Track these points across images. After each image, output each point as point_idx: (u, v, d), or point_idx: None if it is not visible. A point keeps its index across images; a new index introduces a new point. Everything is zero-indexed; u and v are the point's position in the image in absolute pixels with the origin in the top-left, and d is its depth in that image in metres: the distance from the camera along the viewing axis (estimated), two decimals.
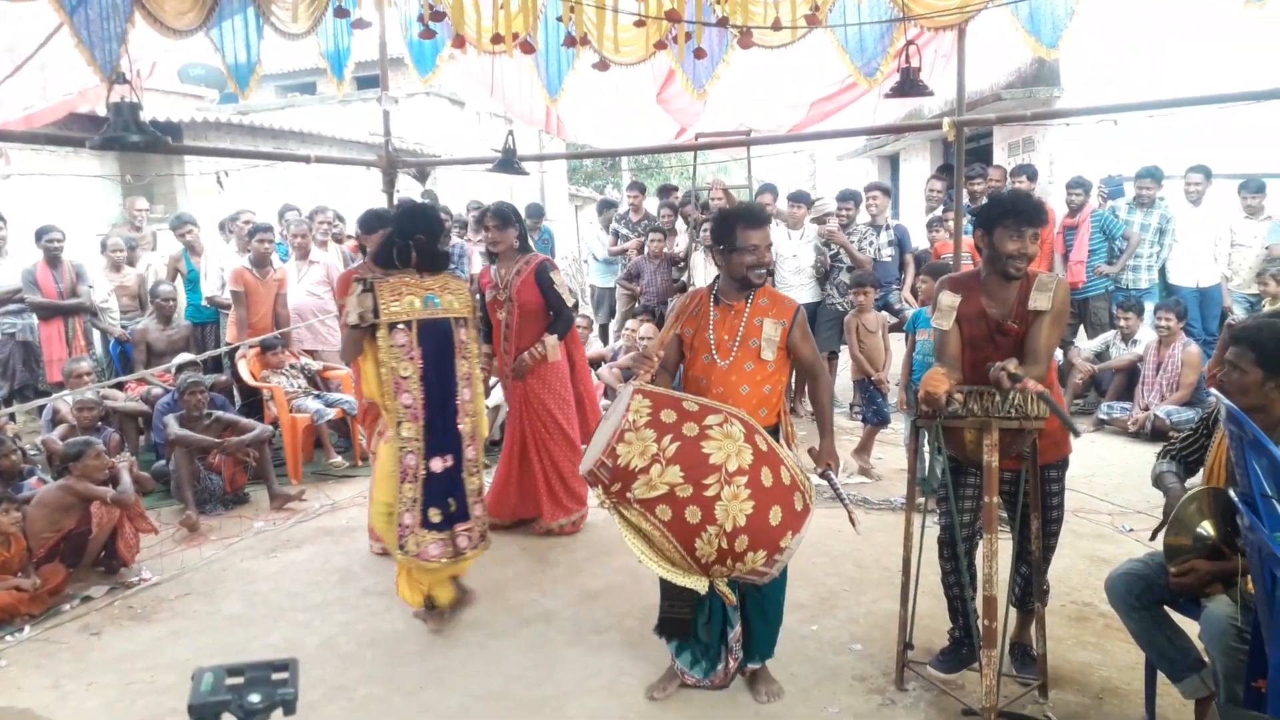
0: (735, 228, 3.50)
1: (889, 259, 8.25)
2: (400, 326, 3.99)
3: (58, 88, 5.79)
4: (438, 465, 4.09)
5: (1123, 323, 8.08)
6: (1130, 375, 7.93)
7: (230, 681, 1.16)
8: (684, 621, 3.51)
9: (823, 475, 3.53)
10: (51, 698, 3.87)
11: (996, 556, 3.22)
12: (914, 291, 7.56)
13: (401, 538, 4.10)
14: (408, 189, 10.84)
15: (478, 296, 5.64)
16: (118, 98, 4.28)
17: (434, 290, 4.11)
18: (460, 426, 4.15)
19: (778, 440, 3.45)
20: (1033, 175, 8.96)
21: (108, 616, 4.72)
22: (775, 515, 3.13)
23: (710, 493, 3.08)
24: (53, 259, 7.59)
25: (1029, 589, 3.67)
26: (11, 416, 6.75)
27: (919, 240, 8.99)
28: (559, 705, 3.65)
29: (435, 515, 4.11)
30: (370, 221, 5.49)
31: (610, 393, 7.49)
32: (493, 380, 7.41)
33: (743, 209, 3.64)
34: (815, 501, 3.30)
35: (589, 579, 4.95)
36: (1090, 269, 8.54)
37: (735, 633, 3.64)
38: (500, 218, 5.37)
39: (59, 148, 8.84)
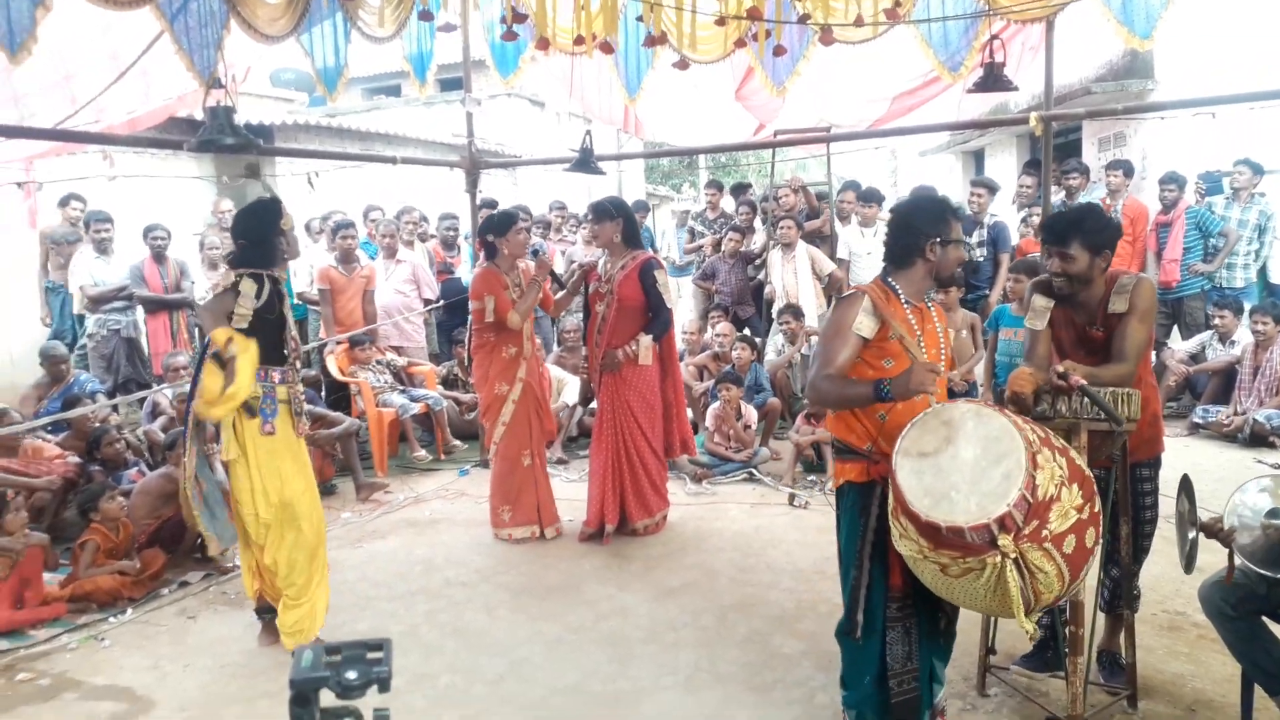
0: (948, 218, 3.09)
1: (981, 258, 8.07)
2: None
3: (159, 92, 6.04)
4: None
5: (1219, 323, 7.79)
6: (1227, 377, 7.64)
7: (329, 659, 1.21)
8: (916, 700, 3.08)
9: None
10: (151, 678, 4.04)
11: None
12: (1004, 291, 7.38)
13: None
14: (491, 189, 11.02)
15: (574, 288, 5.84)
16: (214, 102, 4.45)
17: None
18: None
19: None
20: (1129, 171, 8.69)
21: (203, 601, 4.92)
22: (1089, 537, 2.73)
23: (1097, 506, 2.73)
24: (158, 255, 7.93)
25: (1118, 593, 3.57)
26: (115, 408, 7.06)
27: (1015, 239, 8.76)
28: (634, 701, 3.69)
29: None
30: (499, 223, 5.60)
31: (685, 392, 7.50)
32: (558, 374, 7.49)
33: (944, 197, 3.26)
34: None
35: (665, 575, 4.98)
36: (1185, 267, 8.25)
37: (942, 694, 3.27)
38: (597, 211, 5.46)
39: (160, 150, 9.21)
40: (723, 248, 8.95)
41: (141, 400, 7.32)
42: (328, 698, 1.24)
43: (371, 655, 1.22)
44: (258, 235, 4.10)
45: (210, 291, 8.15)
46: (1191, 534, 3.13)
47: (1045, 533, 2.51)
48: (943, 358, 3.12)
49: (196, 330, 8.13)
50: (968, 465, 2.57)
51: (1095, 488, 2.70)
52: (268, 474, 4.04)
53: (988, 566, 2.49)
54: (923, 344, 3.02)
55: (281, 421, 4.09)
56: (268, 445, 4.04)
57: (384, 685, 1.21)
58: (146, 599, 4.91)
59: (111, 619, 4.68)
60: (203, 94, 4.79)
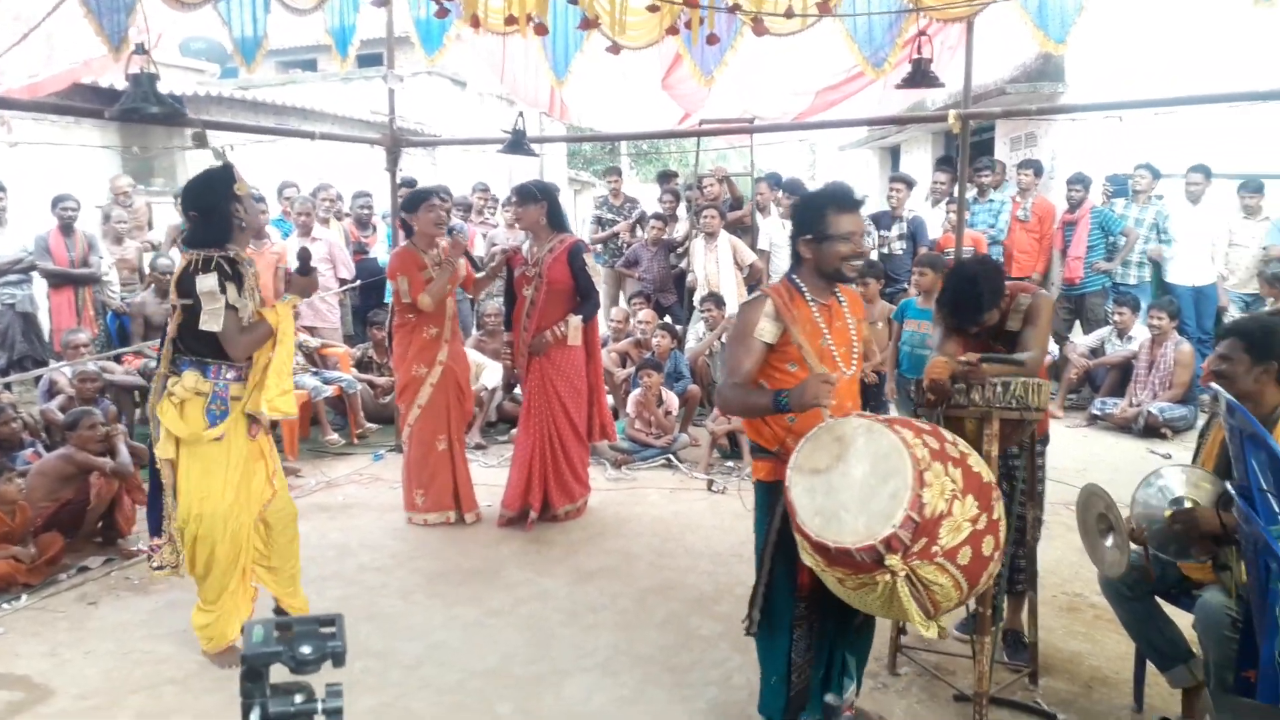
0: (826, 212, 2.98)
1: (900, 252, 8.25)
2: None
3: (63, 57, 5.77)
4: None
5: (1118, 319, 8.13)
6: (1124, 371, 7.98)
7: (280, 635, 1.19)
8: (806, 689, 3.12)
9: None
10: (49, 665, 3.89)
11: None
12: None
13: None
14: (411, 168, 10.82)
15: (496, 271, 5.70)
16: (137, 69, 4.27)
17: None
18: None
19: None
20: (1039, 170, 8.99)
21: (104, 586, 4.74)
22: (987, 545, 2.63)
23: (996, 514, 2.63)
24: (66, 227, 7.57)
25: (1016, 574, 3.71)
26: (7, 387, 6.75)
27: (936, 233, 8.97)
28: (556, 683, 3.69)
29: None
30: (412, 201, 5.48)
31: (607, 378, 7.51)
32: (476, 358, 7.39)
33: (832, 190, 3.11)
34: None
35: (584, 559, 4.99)
36: (1088, 265, 8.59)
37: (851, 690, 3.19)
38: (521, 194, 5.40)
39: (61, 117, 8.80)
40: (644, 234, 8.97)
41: (38, 379, 7.00)
42: (278, 673, 1.22)
43: (324, 630, 1.20)
44: (208, 204, 3.68)
45: (112, 267, 7.87)
46: (1112, 540, 3.22)
47: (936, 549, 2.48)
48: (854, 355, 3.08)
49: (102, 305, 7.83)
50: (857, 483, 2.56)
51: (995, 495, 2.65)
52: (195, 485, 3.73)
53: (879, 584, 2.49)
54: (830, 341, 3.00)
55: (232, 425, 3.73)
56: (204, 454, 3.71)
57: (338, 660, 1.19)
58: (44, 585, 4.70)
59: (5, 605, 4.48)
60: (111, 60, 4.60)
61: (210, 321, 3.57)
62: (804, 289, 3.03)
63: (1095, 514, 3.29)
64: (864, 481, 2.55)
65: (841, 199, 3.01)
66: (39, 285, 7.67)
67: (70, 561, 4.97)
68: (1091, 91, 8.62)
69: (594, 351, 5.63)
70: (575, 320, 5.34)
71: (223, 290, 3.58)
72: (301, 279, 3.97)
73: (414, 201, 5.45)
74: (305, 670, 1.17)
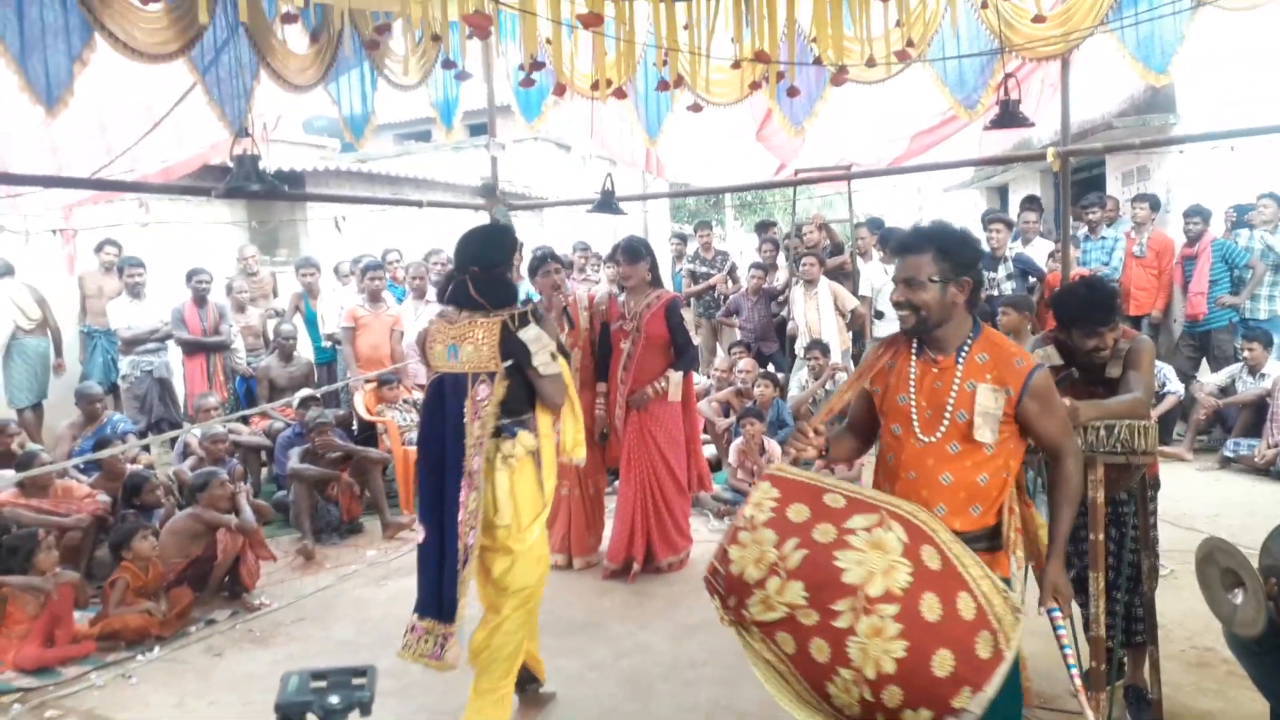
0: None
1: (1010, 292, 8.04)
2: (431, 372, 3.65)
3: (192, 141, 6.22)
4: (420, 535, 3.56)
5: (1248, 355, 7.70)
6: (1258, 410, 7.53)
7: (314, 685, 1.25)
8: None
9: (1047, 613, 2.61)
10: (176, 714, 4.09)
11: (1103, 596, 3.13)
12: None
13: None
14: (520, 230, 11.15)
15: (583, 324, 5.67)
16: (240, 150, 4.59)
17: (456, 340, 3.47)
18: (466, 500, 3.40)
19: (995, 548, 2.62)
20: (1155, 205, 8.67)
21: (230, 639, 4.97)
22: (942, 663, 2.27)
23: (840, 623, 2.33)
24: (200, 299, 8.12)
25: (1134, 620, 3.53)
26: (146, 448, 7.19)
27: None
28: None
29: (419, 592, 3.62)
30: (535, 264, 5.58)
31: (710, 428, 7.52)
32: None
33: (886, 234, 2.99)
34: (1016, 641, 2.33)
35: (686, 613, 4.96)
36: (1212, 300, 8.18)
37: None
38: (630, 253, 5.50)
39: (194, 197, 9.45)
40: (744, 284, 9.02)
41: (173, 441, 7.45)
42: None
43: (356, 681, 1.26)
44: (497, 261, 3.54)
45: (237, 334, 8.35)
46: (1241, 596, 3.02)
47: (746, 614, 2.47)
48: (944, 421, 2.59)
49: (231, 371, 8.29)
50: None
51: (870, 614, 2.32)
52: (538, 549, 3.59)
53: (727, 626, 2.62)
54: (911, 399, 2.64)
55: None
56: (538, 513, 3.58)
57: (365, 709, 1.24)
58: (174, 637, 4.96)
59: (140, 656, 4.74)
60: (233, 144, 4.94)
61: (550, 367, 3.44)
62: (922, 341, 2.70)
63: (1221, 568, 3.10)
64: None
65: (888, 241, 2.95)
66: (174, 352, 8.19)
67: (198, 615, 5.23)
68: (1204, 121, 8.29)
69: (689, 403, 5.68)
70: (676, 376, 5.41)
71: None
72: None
73: (532, 267, 5.64)
74: (333, 719, 1.23)
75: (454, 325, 3.50)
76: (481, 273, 3.49)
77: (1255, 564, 3.02)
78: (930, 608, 2.31)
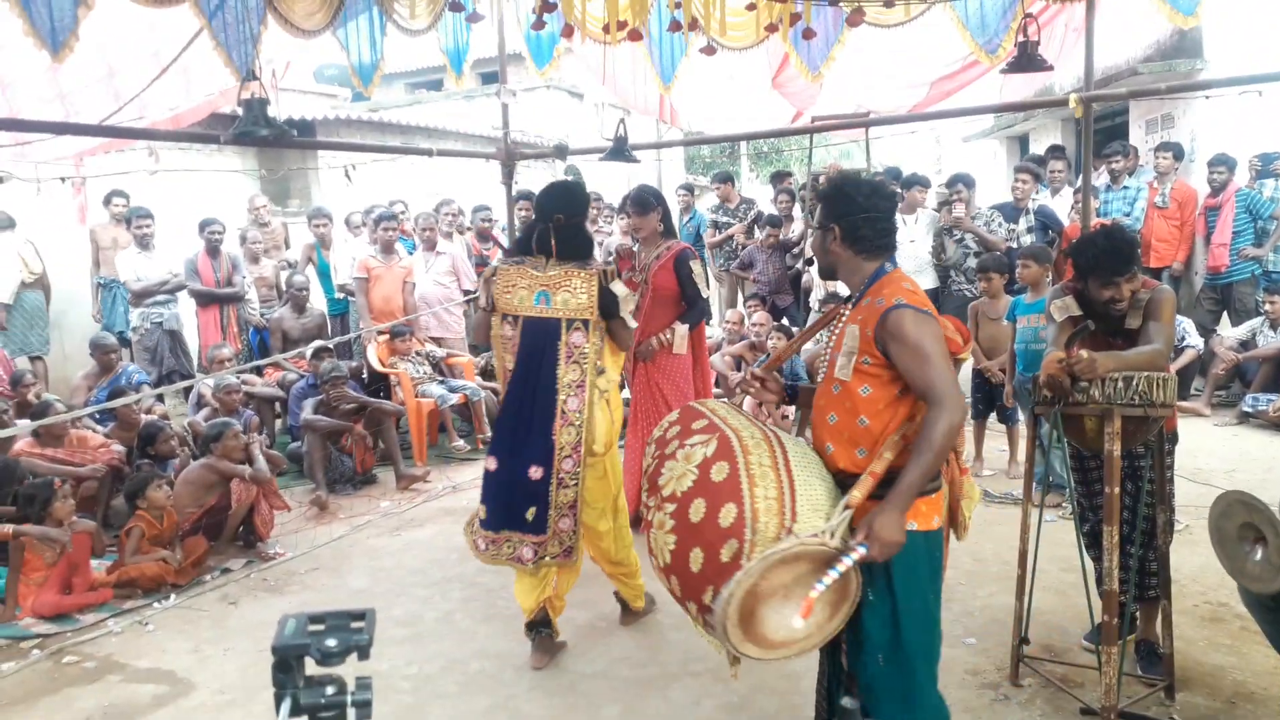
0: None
1: (1030, 243, 7.92)
2: (509, 318, 3.82)
3: (200, 88, 6.15)
4: (491, 464, 3.82)
5: (1269, 308, 7.59)
6: (1278, 364, 7.44)
7: (312, 628, 1.23)
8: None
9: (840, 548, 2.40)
10: (192, 661, 4.14)
11: (1117, 550, 3.10)
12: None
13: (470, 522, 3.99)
14: (532, 180, 11.06)
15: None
16: (248, 94, 4.51)
17: (549, 287, 3.74)
18: (554, 436, 3.73)
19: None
20: (1179, 154, 8.48)
21: (244, 588, 5.02)
22: (695, 559, 2.49)
23: (651, 517, 2.69)
24: (213, 250, 8.09)
25: (1147, 575, 3.51)
26: (160, 399, 7.22)
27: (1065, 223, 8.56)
28: (663, 686, 3.70)
29: (483, 511, 3.85)
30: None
31: (722, 381, 7.48)
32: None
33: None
34: (761, 558, 2.35)
35: None
36: (1234, 251, 8.04)
37: None
38: (640, 204, 5.39)
39: (204, 145, 9.39)
40: (759, 236, 8.92)
41: (186, 391, 7.47)
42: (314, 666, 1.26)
43: (354, 624, 1.24)
44: (578, 213, 3.86)
45: (251, 285, 8.33)
46: (1261, 552, 2.98)
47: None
48: (837, 363, 2.64)
49: (245, 322, 8.28)
50: None
51: (660, 510, 2.64)
52: (618, 466, 4.15)
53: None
54: (826, 343, 2.78)
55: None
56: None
57: (363, 653, 1.23)
58: (190, 585, 5.02)
59: (156, 604, 4.80)
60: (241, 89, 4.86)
61: (631, 318, 3.90)
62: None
63: (1239, 523, 3.06)
64: None
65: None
66: (185, 304, 8.19)
67: (214, 564, 5.28)
68: (1232, 67, 8.06)
69: (701, 357, 5.62)
70: (681, 329, 5.32)
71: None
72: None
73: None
74: (330, 662, 1.21)
75: (544, 273, 3.75)
76: (566, 223, 3.75)
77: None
78: (696, 510, 2.51)
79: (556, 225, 3.73)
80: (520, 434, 3.77)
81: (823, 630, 2.50)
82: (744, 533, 2.40)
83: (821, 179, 8.80)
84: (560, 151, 6.99)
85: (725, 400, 2.99)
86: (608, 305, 3.77)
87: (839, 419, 2.61)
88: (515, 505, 3.77)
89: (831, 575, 2.35)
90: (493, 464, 3.83)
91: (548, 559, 3.81)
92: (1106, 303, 3.34)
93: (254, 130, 4.48)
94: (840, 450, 2.61)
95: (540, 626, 3.97)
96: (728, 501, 2.47)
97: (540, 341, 3.76)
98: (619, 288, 3.81)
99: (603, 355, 3.86)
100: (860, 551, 2.37)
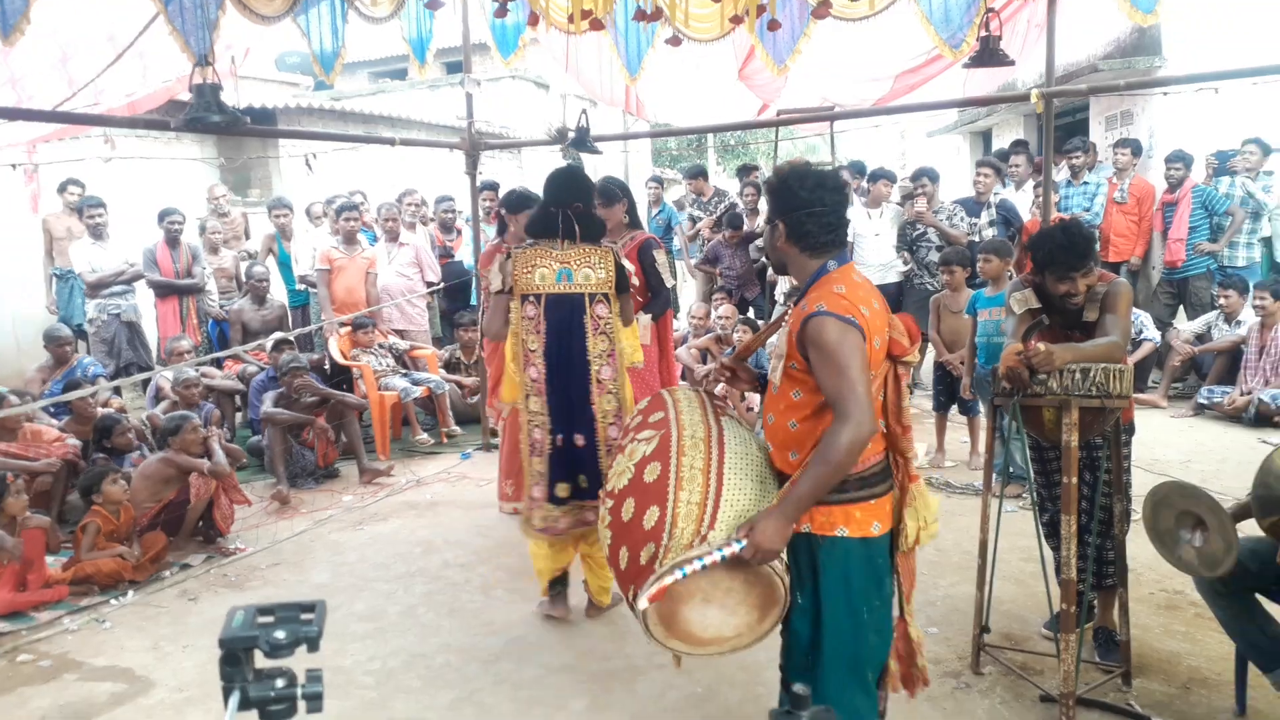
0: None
1: (991, 237, 8.00)
2: (530, 299, 3.94)
3: (157, 74, 6.03)
4: (563, 440, 3.99)
5: (1224, 302, 7.73)
6: (1233, 358, 7.59)
7: (261, 620, 1.22)
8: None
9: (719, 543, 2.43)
10: (151, 658, 4.07)
11: (1075, 539, 3.14)
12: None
13: (530, 510, 4.08)
14: (495, 171, 10.98)
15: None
16: (200, 79, 4.43)
17: (570, 264, 3.95)
18: (593, 405, 3.98)
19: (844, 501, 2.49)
20: (1137, 150, 8.61)
21: (204, 583, 4.95)
22: (623, 557, 2.61)
23: (599, 509, 2.83)
24: (172, 240, 7.95)
25: (1105, 563, 3.57)
26: (117, 391, 7.09)
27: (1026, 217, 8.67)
28: (629, 679, 3.70)
29: (562, 490, 4.02)
30: (515, 201, 5.57)
31: (688, 374, 7.49)
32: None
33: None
34: (673, 566, 2.39)
35: None
36: (1190, 246, 8.18)
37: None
38: (606, 195, 5.37)
39: (161, 133, 9.22)
40: (722, 234, 8.95)
41: (145, 384, 7.34)
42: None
43: (304, 616, 1.22)
44: (590, 199, 4.11)
45: (210, 276, 8.21)
46: (1201, 538, 3.04)
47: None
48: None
49: (204, 314, 8.15)
50: None
51: (603, 504, 2.80)
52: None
53: None
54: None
55: None
56: None
57: (313, 645, 1.21)
58: (148, 581, 4.94)
59: (113, 601, 4.71)
60: (197, 76, 4.77)
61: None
62: None
63: (1176, 512, 3.13)
64: None
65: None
66: (144, 295, 8.04)
67: (173, 559, 5.20)
68: (1190, 64, 8.19)
69: (666, 349, 5.61)
70: (644, 319, 5.30)
71: None
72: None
73: (518, 204, 5.50)
74: (279, 655, 1.20)
75: (564, 252, 3.96)
76: (584, 209, 4.00)
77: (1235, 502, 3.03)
78: (627, 509, 2.62)
79: (576, 211, 3.96)
80: (564, 407, 3.98)
81: (754, 631, 2.55)
82: (661, 537, 2.47)
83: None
84: (562, 136, 7.00)
85: (695, 388, 2.96)
86: (622, 280, 4.03)
87: (775, 420, 2.60)
88: (573, 475, 4.01)
89: (695, 566, 2.39)
90: (560, 441, 4.00)
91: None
92: (1063, 296, 3.38)
93: (205, 116, 4.38)
94: (776, 452, 2.63)
95: (559, 584, 4.23)
96: (653, 504, 2.54)
97: (567, 316, 3.95)
98: (629, 264, 4.20)
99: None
100: (734, 548, 2.40)
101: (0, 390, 6.22)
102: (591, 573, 4.26)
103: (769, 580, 2.45)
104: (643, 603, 2.43)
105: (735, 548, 2.39)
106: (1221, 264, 8.16)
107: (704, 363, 7.67)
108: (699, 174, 10.36)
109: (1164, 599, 4.20)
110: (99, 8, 5.01)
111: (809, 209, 2.53)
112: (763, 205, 9.24)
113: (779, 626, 2.60)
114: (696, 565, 2.38)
